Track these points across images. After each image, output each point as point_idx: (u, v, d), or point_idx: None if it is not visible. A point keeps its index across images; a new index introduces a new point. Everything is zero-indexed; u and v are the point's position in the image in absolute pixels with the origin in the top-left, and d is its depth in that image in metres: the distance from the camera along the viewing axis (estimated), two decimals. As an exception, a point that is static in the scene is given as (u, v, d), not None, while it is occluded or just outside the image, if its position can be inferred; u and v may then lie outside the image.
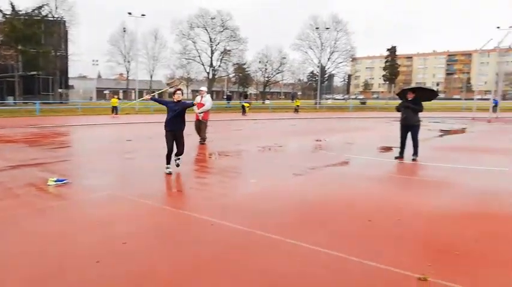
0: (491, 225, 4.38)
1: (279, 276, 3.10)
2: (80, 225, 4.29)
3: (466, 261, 3.39)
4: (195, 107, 11.05)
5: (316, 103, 48.14)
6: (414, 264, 3.28)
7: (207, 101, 11.17)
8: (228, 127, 18.01)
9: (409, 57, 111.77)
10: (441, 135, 15.21)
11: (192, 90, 65.86)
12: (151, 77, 64.50)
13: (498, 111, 28.64)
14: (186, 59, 54.39)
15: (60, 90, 45.97)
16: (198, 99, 11.20)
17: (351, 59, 62.47)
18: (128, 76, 64.73)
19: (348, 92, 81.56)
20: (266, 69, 64.28)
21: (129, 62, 62.35)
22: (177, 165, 7.20)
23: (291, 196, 5.73)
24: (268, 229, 4.11)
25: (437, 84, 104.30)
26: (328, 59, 57.09)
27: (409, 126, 8.84)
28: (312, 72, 68.36)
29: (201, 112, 11.08)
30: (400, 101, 9.13)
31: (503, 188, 6.20)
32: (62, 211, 4.87)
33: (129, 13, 37.39)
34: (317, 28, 55.31)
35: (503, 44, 26.90)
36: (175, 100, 6.94)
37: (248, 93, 61.58)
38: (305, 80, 75.54)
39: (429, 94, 9.37)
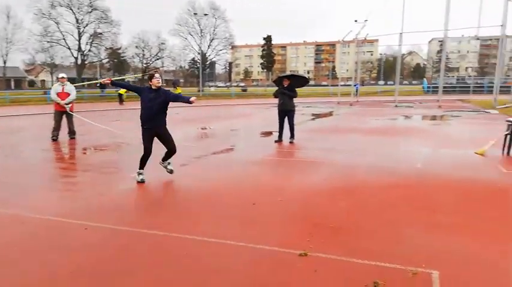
0: (360, 198, 4.94)
1: (166, 273, 2.93)
2: None
3: (339, 232, 3.74)
4: (57, 98, 9.80)
5: (199, 91, 47.91)
6: (295, 241, 3.47)
7: (73, 90, 10.03)
8: (103, 118, 16.52)
9: (283, 47, 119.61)
10: (313, 119, 16.69)
11: (58, 78, 58.63)
12: (4, 62, 55.22)
13: (358, 96, 32.90)
14: (49, 42, 47.93)
15: None
16: (58, 88, 9.91)
17: (230, 47, 63.67)
18: (-28, 61, 54.20)
19: (229, 79, 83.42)
20: (144, 55, 60.84)
21: (-28, 44, 52.30)
22: (171, 171, 5.89)
23: (175, 187, 5.55)
24: (152, 226, 3.87)
25: (308, 72, 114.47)
26: (209, 46, 57.13)
27: (286, 111, 9.44)
28: (193, 59, 67.55)
29: (69, 103, 9.88)
30: (276, 88, 9.65)
31: (368, 164, 7.08)
32: None
33: (-32, -16, 31.03)
34: (195, 14, 54.64)
35: (360, 35, 30.70)
36: (153, 87, 5.47)
37: (125, 80, 57.60)
38: (187, 67, 74.29)
39: (302, 81, 10.14)
